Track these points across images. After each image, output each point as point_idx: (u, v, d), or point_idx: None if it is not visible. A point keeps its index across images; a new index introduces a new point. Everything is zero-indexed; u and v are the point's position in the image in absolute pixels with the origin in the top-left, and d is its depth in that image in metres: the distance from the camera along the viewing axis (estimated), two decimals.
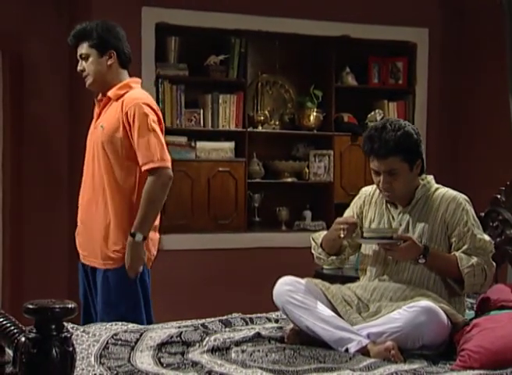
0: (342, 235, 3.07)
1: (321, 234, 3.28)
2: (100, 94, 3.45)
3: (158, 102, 4.88)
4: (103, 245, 3.32)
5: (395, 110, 5.59)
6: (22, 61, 5.09)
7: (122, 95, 3.32)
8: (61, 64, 5.08)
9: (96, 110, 3.45)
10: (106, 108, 3.38)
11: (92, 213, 3.37)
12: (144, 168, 3.22)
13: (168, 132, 4.08)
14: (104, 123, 3.33)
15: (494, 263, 3.14)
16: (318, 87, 5.45)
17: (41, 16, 5.08)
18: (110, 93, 3.35)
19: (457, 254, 3.06)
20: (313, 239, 3.30)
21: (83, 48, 3.35)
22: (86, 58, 3.35)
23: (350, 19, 5.30)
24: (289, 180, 5.45)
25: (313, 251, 3.31)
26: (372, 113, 5.47)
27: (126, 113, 3.25)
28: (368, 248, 3.21)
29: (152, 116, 3.26)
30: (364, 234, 3.08)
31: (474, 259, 3.04)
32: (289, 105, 5.61)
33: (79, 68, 3.39)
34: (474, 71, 5.46)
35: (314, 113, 5.43)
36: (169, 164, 3.26)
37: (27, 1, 5.06)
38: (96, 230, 3.34)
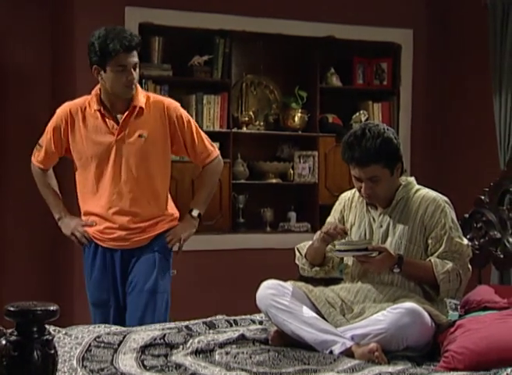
0: (330, 236, 3.08)
1: (306, 245, 3.27)
2: (105, 106, 3.43)
3: None
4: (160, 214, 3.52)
5: (379, 111, 5.59)
6: (5, 62, 5.04)
7: (147, 101, 3.44)
8: (43, 66, 5.02)
9: (110, 122, 3.42)
10: (133, 117, 3.42)
11: (143, 208, 3.47)
12: (207, 160, 3.57)
13: None
14: (143, 131, 3.42)
15: (470, 267, 3.14)
16: (303, 87, 5.44)
17: (24, 16, 5.03)
18: (139, 102, 3.42)
19: (432, 260, 3.06)
20: (297, 249, 3.31)
21: (136, 57, 3.38)
22: (135, 67, 3.38)
23: (334, 19, 5.29)
24: (274, 181, 5.44)
25: (297, 261, 3.31)
26: (357, 114, 5.47)
27: (174, 117, 3.47)
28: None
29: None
30: (338, 247, 3.08)
31: (450, 265, 3.04)
32: (274, 105, 5.60)
33: (133, 77, 3.38)
34: (459, 72, 5.47)
35: (299, 114, 5.43)
36: None
37: (9, 2, 5.01)
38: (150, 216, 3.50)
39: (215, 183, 3.72)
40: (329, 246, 3.19)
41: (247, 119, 5.40)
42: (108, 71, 3.35)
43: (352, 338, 2.90)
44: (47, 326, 1.83)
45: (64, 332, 2.94)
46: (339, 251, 3.08)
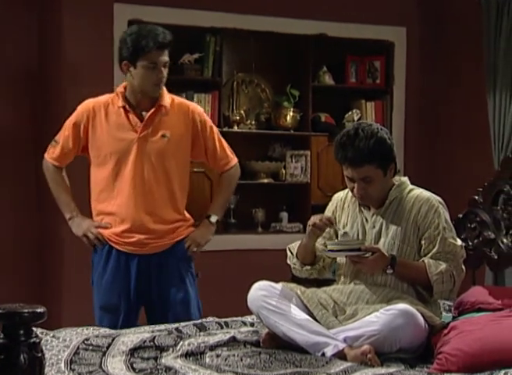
0: (319, 229, 3.07)
1: (297, 244, 3.26)
2: (129, 103, 3.41)
3: None
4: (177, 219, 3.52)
5: (372, 110, 5.57)
6: None
7: (172, 103, 3.45)
8: (30, 62, 4.97)
9: (134, 119, 3.41)
10: (158, 116, 3.41)
11: (161, 208, 3.46)
12: (226, 167, 3.61)
13: None
14: (166, 131, 3.41)
15: (464, 268, 3.14)
16: (295, 86, 5.42)
17: (11, 15, 4.97)
18: (165, 102, 3.43)
19: (426, 260, 3.05)
20: (289, 249, 3.30)
21: (167, 56, 3.38)
22: (165, 65, 3.39)
23: (327, 17, 5.27)
24: (266, 180, 5.41)
25: (288, 261, 3.30)
26: (350, 113, 5.45)
27: (198, 121, 3.49)
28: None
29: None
30: (331, 247, 3.06)
31: (443, 266, 3.03)
32: (266, 104, 5.57)
33: (163, 75, 3.38)
34: (453, 70, 5.46)
35: (291, 113, 5.41)
36: None
37: None
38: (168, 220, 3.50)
39: (233, 190, 3.75)
40: (321, 246, 3.17)
41: (238, 118, 5.37)
42: (138, 67, 3.34)
43: (344, 340, 2.88)
44: (34, 329, 1.84)
45: (51, 335, 2.92)
46: (332, 251, 3.07)
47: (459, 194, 4.20)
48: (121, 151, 3.40)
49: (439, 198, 3.16)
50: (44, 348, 1.86)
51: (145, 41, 3.30)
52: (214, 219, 3.62)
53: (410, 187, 3.20)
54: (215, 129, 3.59)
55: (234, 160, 3.65)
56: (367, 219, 3.17)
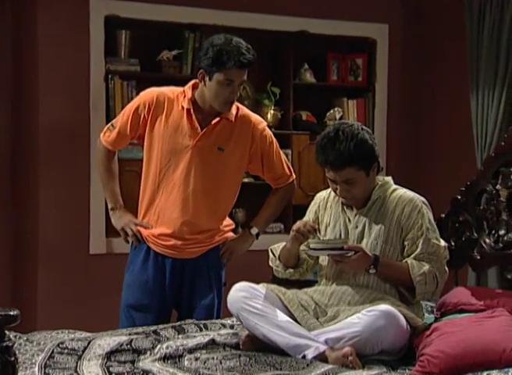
0: (302, 236, 3.06)
1: (279, 246, 3.25)
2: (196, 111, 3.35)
3: (107, 99, 4.79)
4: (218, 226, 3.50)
5: (354, 108, 5.54)
6: None
7: (236, 114, 3.39)
8: (4, 63, 4.89)
9: (194, 125, 3.33)
10: (218, 128, 3.35)
11: (202, 218, 3.41)
12: (282, 184, 3.58)
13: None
14: (223, 145, 3.36)
15: (447, 269, 3.13)
16: (276, 84, 5.38)
17: None
18: (230, 115, 3.36)
19: (409, 261, 3.04)
20: (271, 251, 3.28)
21: (245, 75, 3.30)
22: (241, 84, 3.31)
23: (308, 14, 5.23)
24: (246, 180, 5.33)
25: (271, 263, 3.29)
26: (331, 111, 5.42)
27: (258, 135, 3.43)
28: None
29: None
30: (314, 245, 3.04)
31: (426, 267, 3.02)
32: (246, 102, 5.50)
33: (236, 94, 3.31)
34: (435, 68, 5.45)
35: (272, 111, 5.37)
36: None
37: None
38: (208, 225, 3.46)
39: (282, 207, 3.68)
40: (303, 246, 3.15)
41: None
42: (213, 80, 3.25)
43: (326, 342, 2.87)
44: (7, 332, 1.79)
45: (25, 338, 2.89)
46: (314, 249, 3.04)
47: (441, 193, 4.19)
48: (173, 154, 3.34)
49: (422, 199, 3.14)
50: (17, 351, 1.83)
51: (227, 57, 3.21)
52: (254, 231, 3.56)
53: (394, 186, 3.18)
54: (276, 145, 3.52)
55: (291, 178, 3.59)
56: (350, 219, 3.15)
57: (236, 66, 3.22)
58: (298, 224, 3.10)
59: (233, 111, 3.38)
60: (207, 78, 3.26)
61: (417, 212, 3.07)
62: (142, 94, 3.45)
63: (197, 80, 3.34)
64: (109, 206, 3.53)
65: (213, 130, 3.35)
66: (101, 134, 3.51)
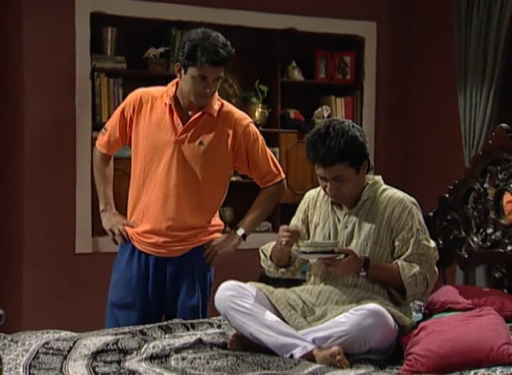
0: (283, 243, 3.04)
1: (270, 246, 3.23)
2: (178, 107, 3.36)
3: (93, 97, 4.77)
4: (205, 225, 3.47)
5: (342, 106, 5.54)
6: None
7: (219, 110, 3.39)
8: None
9: (176, 120, 3.34)
10: (200, 122, 3.35)
11: (185, 214, 3.39)
12: (269, 183, 3.53)
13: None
14: (205, 140, 3.35)
15: (437, 270, 3.13)
16: (264, 81, 5.36)
17: None
18: (211, 110, 3.36)
19: (399, 263, 3.03)
20: (262, 251, 3.27)
21: (221, 72, 3.29)
22: (216, 80, 3.30)
23: (296, 11, 5.22)
24: (234, 178, 5.32)
25: (262, 263, 3.28)
26: (319, 109, 5.41)
27: (241, 132, 3.40)
28: None
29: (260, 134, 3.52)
30: (304, 249, 3.02)
31: (416, 268, 3.02)
32: (234, 100, 5.49)
33: (210, 90, 3.29)
34: (423, 66, 5.45)
35: (260, 109, 5.35)
36: None
37: None
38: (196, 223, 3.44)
39: (271, 208, 3.62)
40: (294, 247, 3.13)
41: None
42: (188, 74, 3.27)
43: (313, 341, 2.86)
44: None
45: (10, 338, 2.87)
46: (305, 253, 3.03)
47: (429, 191, 4.19)
48: (156, 150, 3.35)
49: (412, 199, 3.13)
50: (1, 352, 1.79)
51: (201, 53, 3.21)
52: (240, 232, 3.51)
53: (384, 186, 3.17)
54: (261, 142, 3.48)
55: (279, 177, 3.55)
56: (339, 219, 3.14)
57: (209, 63, 3.23)
58: (281, 233, 3.07)
59: (216, 107, 3.39)
60: (182, 71, 3.29)
61: (407, 213, 3.06)
62: (129, 95, 3.49)
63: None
64: (100, 208, 3.56)
65: (195, 125, 3.35)
66: (97, 139, 3.58)
